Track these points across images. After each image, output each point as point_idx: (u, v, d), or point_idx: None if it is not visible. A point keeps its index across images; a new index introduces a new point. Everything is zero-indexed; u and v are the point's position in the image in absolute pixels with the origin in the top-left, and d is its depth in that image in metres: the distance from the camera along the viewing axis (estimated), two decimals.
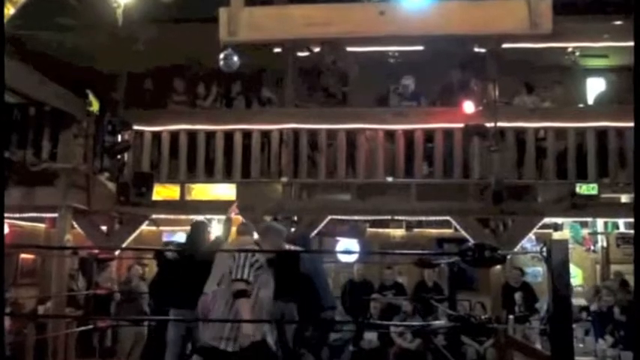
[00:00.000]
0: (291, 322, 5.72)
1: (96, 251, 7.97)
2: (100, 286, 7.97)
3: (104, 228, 8.48)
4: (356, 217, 8.84)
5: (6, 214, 8.23)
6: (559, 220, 9.10)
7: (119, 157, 8.09)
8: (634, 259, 3.07)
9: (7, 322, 7.41)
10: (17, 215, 8.51)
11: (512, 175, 7.99)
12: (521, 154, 8.14)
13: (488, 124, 7.68)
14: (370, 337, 8.06)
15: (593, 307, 6.91)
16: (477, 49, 8.33)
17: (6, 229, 8.75)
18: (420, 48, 8.45)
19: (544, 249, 3.20)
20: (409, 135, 8.19)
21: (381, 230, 10.13)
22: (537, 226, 8.02)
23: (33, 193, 7.76)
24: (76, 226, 8.14)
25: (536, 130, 8.15)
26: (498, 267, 7.55)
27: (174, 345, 6.07)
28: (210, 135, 8.45)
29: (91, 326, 7.72)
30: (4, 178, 6.99)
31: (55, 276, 7.82)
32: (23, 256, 9.54)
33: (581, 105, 9.33)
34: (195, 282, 5.61)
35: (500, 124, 7.73)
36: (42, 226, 9.09)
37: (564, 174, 7.94)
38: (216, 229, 9.09)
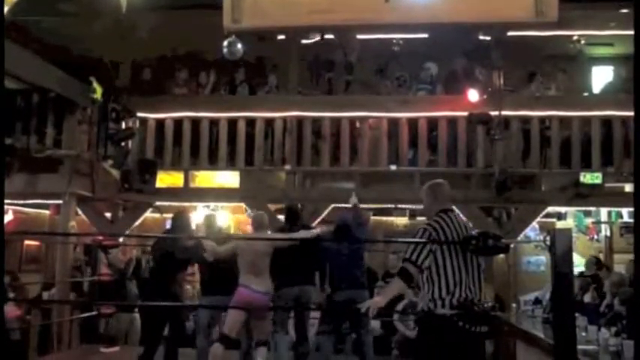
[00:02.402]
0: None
1: (100, 238, 7.99)
2: (106, 273, 8.00)
3: (108, 215, 8.49)
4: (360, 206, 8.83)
5: (10, 201, 8.29)
6: (563, 209, 9.08)
7: (123, 144, 8.07)
8: (634, 248, 3.06)
9: (15, 308, 7.47)
10: (21, 202, 8.54)
11: (516, 163, 7.97)
12: (526, 142, 8.12)
13: (492, 113, 7.65)
14: (373, 325, 8.07)
15: (587, 299, 6.88)
16: (481, 37, 8.27)
17: (10, 216, 8.80)
18: (425, 36, 8.41)
19: (547, 238, 3.20)
20: (413, 123, 8.17)
21: (384, 218, 10.12)
22: (541, 215, 8.01)
23: (37, 179, 7.78)
24: (80, 212, 8.16)
25: (541, 118, 8.12)
26: (501, 256, 7.54)
27: (204, 329, 6.35)
28: (213, 122, 8.45)
29: (94, 312, 7.75)
30: (5, 164, 6.99)
31: (59, 262, 7.86)
32: (27, 242, 9.58)
33: (586, 94, 9.28)
34: (227, 271, 5.96)
35: (504, 112, 7.69)
36: (46, 212, 9.10)
37: (568, 163, 7.91)
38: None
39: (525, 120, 8.11)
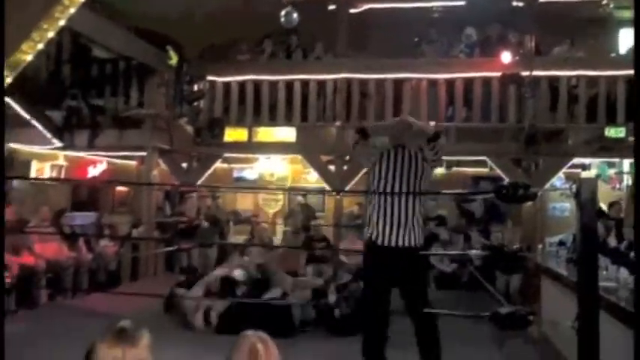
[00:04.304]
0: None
1: (177, 184, 8.27)
2: (185, 214, 8.32)
3: (184, 165, 8.78)
4: None
5: (102, 153, 8.66)
6: (587, 161, 8.86)
7: (195, 104, 8.30)
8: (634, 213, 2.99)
9: (111, 245, 7.89)
10: (112, 154, 8.90)
11: (545, 119, 7.79)
12: (554, 100, 7.91)
13: (524, 73, 7.45)
14: None
15: (612, 242, 6.74)
16: (515, 4, 7.99)
17: (104, 166, 9.19)
18: (462, 3, 8.18)
19: (574, 186, 3.17)
20: (451, 83, 8.05)
21: None
22: (567, 166, 7.86)
23: (124, 135, 8.11)
24: (161, 163, 8.47)
25: (569, 78, 7.87)
26: (530, 202, 7.46)
27: None
28: (272, 84, 8.52)
29: (175, 247, 8.12)
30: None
31: (144, 205, 8.24)
32: (118, 188, 10.02)
33: (612, 54, 8.89)
34: None
35: (535, 72, 7.48)
36: (133, 163, 9.46)
37: (594, 118, 7.69)
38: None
39: (554, 79, 7.86)
